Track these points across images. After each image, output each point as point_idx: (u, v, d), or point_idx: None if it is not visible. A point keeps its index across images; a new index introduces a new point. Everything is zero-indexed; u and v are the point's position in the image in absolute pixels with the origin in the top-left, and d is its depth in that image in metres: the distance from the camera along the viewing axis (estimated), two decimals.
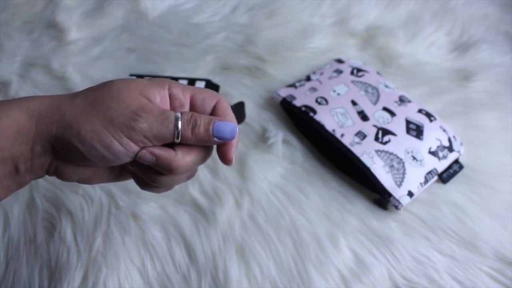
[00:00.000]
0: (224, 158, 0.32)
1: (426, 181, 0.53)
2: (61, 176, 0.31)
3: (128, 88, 0.29)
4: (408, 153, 0.54)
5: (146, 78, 0.32)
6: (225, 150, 0.31)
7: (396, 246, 0.50)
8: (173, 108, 0.32)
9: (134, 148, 0.29)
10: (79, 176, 0.31)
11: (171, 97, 0.31)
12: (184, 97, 0.32)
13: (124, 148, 0.28)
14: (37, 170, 0.29)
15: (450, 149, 0.56)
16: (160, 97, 0.31)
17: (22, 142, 0.28)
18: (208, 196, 0.54)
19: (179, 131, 0.29)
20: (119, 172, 0.34)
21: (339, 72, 0.65)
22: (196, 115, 0.30)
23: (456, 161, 0.56)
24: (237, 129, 0.31)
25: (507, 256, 0.48)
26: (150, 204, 0.53)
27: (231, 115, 0.33)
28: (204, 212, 0.53)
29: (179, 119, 0.29)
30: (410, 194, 0.52)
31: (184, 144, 0.30)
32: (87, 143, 0.27)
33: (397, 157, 0.53)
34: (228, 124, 0.30)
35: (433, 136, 0.56)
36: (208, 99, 0.32)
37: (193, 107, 0.32)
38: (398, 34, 0.78)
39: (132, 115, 0.28)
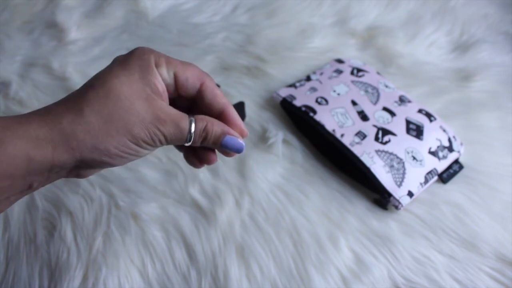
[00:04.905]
0: (208, 159, 0.35)
1: (426, 181, 0.53)
2: (80, 177, 0.32)
3: (135, 95, 0.29)
4: (408, 153, 0.54)
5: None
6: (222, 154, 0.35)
7: (396, 246, 0.50)
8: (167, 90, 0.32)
9: (155, 149, 0.32)
10: (97, 172, 0.34)
11: (163, 79, 0.31)
12: (169, 77, 0.31)
13: (149, 150, 0.31)
14: (53, 180, 0.29)
15: (450, 149, 0.56)
16: (159, 85, 0.30)
17: (37, 172, 0.26)
18: (208, 196, 0.54)
19: (191, 138, 0.31)
20: None
21: (339, 72, 0.65)
22: (209, 126, 0.31)
23: (456, 161, 0.56)
24: (244, 145, 0.33)
25: (507, 256, 0.48)
26: (150, 204, 0.53)
27: (219, 94, 0.32)
28: (204, 212, 0.53)
29: (193, 122, 0.31)
30: (410, 194, 0.52)
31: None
32: (117, 158, 0.29)
33: (397, 157, 0.53)
34: (236, 142, 0.33)
35: (433, 136, 0.56)
36: (191, 79, 0.31)
37: (176, 85, 0.31)
38: (398, 34, 0.78)
39: (150, 127, 0.29)
